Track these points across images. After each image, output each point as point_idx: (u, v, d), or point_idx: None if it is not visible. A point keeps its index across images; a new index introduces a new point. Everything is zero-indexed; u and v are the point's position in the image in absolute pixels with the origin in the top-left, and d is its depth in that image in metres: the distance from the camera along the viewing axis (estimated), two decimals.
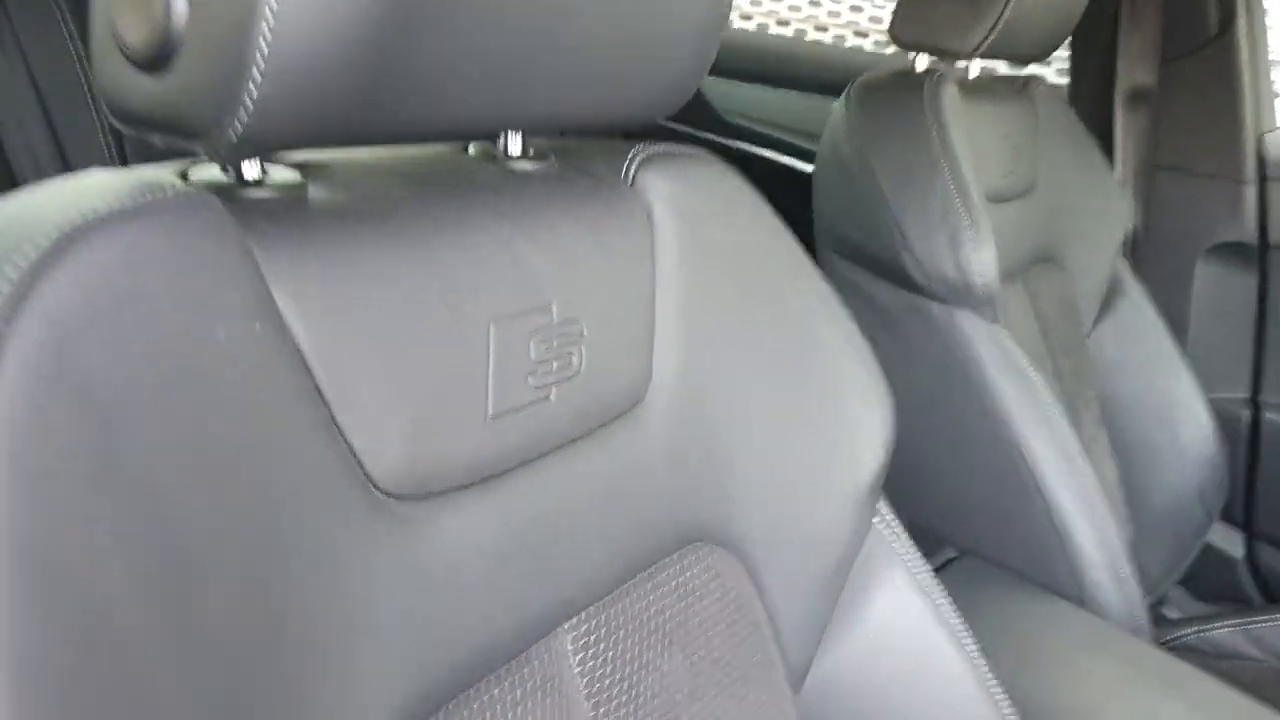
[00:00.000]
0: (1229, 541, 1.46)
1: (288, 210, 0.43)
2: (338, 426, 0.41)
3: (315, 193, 0.45)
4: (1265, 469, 1.43)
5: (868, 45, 1.81)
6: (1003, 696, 0.68)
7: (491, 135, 0.53)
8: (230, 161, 0.40)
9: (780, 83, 1.79)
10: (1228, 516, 1.44)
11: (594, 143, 0.61)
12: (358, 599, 0.41)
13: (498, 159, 0.55)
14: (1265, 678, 1.11)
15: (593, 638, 0.54)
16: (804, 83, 1.76)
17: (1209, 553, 1.43)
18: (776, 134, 1.77)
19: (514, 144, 0.54)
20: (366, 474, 0.42)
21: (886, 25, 1.13)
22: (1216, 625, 1.17)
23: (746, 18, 2.55)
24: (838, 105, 1.11)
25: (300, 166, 0.47)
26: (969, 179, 1.02)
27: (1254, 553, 1.45)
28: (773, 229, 0.64)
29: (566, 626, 0.53)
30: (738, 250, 0.61)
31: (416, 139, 0.47)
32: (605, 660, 0.54)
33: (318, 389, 0.41)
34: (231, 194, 0.42)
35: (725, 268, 0.60)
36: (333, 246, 0.43)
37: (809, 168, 1.66)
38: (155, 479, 0.34)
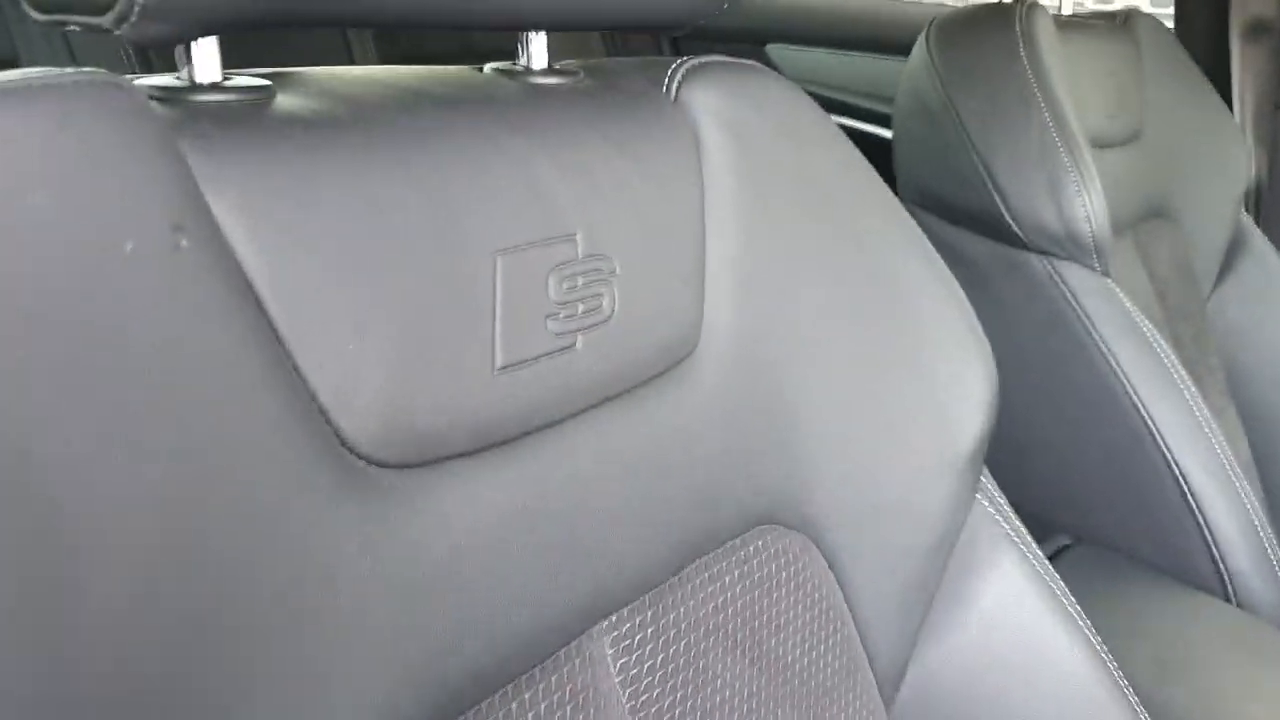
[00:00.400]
0: None
1: (243, 115, 0.35)
2: (297, 370, 0.33)
3: (284, 101, 0.37)
4: None
5: None
6: (1139, 704, 0.57)
7: (506, 29, 0.44)
8: (143, 38, 0.32)
9: (839, 44, 1.68)
10: None
11: (633, 60, 0.52)
12: (322, 591, 0.33)
13: (517, 75, 0.46)
14: None
15: (637, 639, 0.44)
16: (863, 43, 1.65)
17: None
18: (846, 99, 1.66)
19: (538, 53, 0.46)
20: (337, 432, 0.34)
21: None
22: None
23: None
24: (917, 45, 1.00)
25: (275, 76, 0.40)
26: (1069, 115, 0.90)
27: None
28: (846, 152, 0.54)
29: (604, 626, 0.44)
30: (805, 176, 0.51)
31: (401, 20, 0.39)
32: (653, 666, 0.45)
33: (270, 323, 0.33)
34: (175, 96, 0.34)
35: (790, 196, 0.51)
36: (293, 154, 0.34)
37: (885, 133, 1.54)
38: (28, 432, 0.26)
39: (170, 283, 0.30)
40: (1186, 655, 0.79)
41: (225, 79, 0.36)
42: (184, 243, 0.30)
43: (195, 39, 0.34)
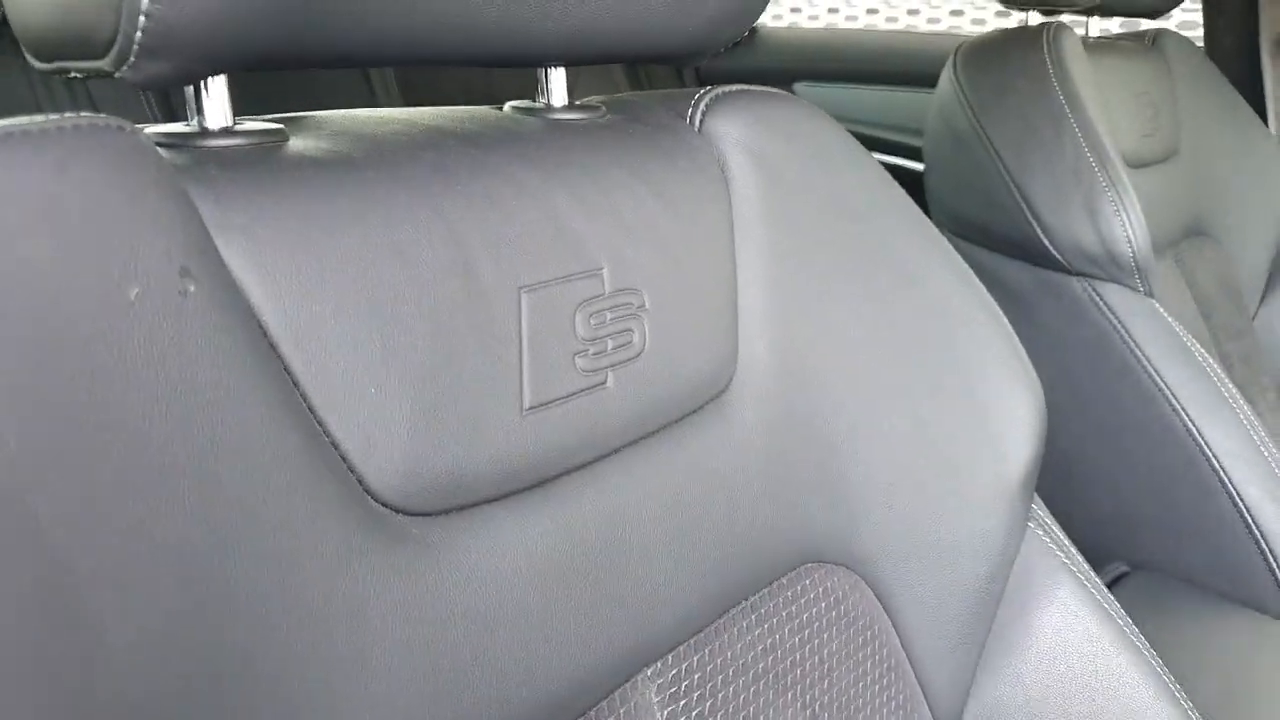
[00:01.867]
0: None
1: (253, 158, 0.34)
2: (316, 417, 0.32)
3: (297, 144, 0.36)
4: None
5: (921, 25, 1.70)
6: None
7: (523, 65, 0.44)
8: (147, 80, 0.31)
9: (866, 79, 1.68)
10: None
11: (656, 93, 0.52)
12: (349, 643, 0.32)
13: (536, 112, 0.46)
14: None
15: (684, 685, 0.43)
16: (890, 76, 1.64)
17: None
18: (877, 134, 1.65)
19: (557, 87, 0.45)
20: (360, 479, 0.33)
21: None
22: None
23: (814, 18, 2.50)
24: (945, 72, 0.99)
25: (289, 121, 0.39)
26: (1102, 135, 0.89)
27: None
28: (878, 179, 0.53)
29: (649, 673, 0.42)
30: (837, 203, 0.51)
31: (413, 59, 0.38)
32: (701, 714, 0.43)
33: (286, 369, 0.32)
34: (184, 142, 0.34)
35: (824, 224, 0.50)
36: (305, 195, 0.34)
37: (917, 165, 1.53)
38: (33, 489, 0.25)
39: (178, 329, 0.29)
40: (1256, 683, 0.75)
41: (236, 124, 0.36)
42: (191, 289, 0.29)
43: (201, 79, 0.34)
